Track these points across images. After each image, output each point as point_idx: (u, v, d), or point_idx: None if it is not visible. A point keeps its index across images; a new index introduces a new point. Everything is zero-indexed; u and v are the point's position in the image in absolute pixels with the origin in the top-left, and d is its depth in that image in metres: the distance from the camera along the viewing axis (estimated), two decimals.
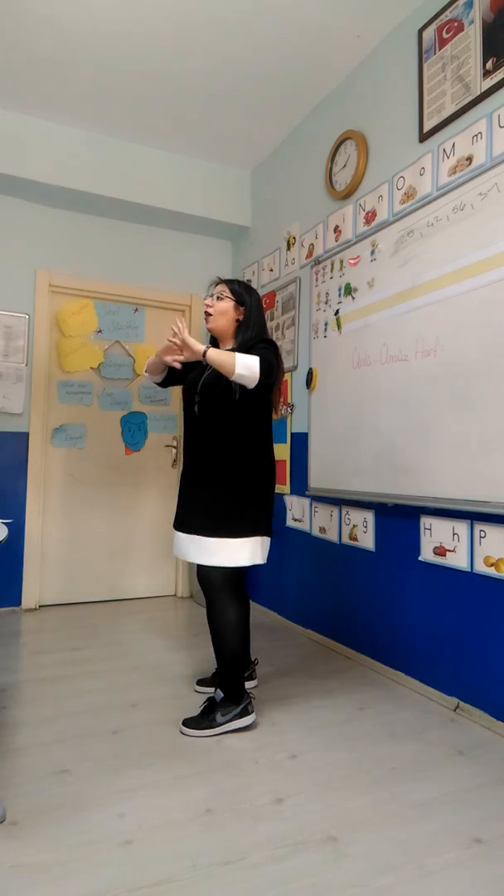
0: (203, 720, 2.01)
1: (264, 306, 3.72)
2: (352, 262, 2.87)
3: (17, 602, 3.57)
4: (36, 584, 3.60)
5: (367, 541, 2.73)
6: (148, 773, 1.73)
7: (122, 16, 2.64)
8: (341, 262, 2.96)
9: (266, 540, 2.11)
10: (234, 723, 2.01)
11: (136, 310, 3.99)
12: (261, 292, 3.81)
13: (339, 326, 2.93)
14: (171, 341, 2.06)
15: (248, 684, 2.37)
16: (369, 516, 2.72)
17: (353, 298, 2.84)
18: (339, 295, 2.95)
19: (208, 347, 1.97)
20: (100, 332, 3.88)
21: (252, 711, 2.04)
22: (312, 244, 3.26)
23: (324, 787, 1.68)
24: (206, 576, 2.08)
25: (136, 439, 3.98)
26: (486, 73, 2.16)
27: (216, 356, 1.93)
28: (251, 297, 2.18)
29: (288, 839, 1.44)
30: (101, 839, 1.43)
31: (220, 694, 2.06)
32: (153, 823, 1.49)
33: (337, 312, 2.95)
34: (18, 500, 3.59)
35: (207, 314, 2.17)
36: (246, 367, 1.92)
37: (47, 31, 2.73)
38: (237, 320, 2.16)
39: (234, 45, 2.81)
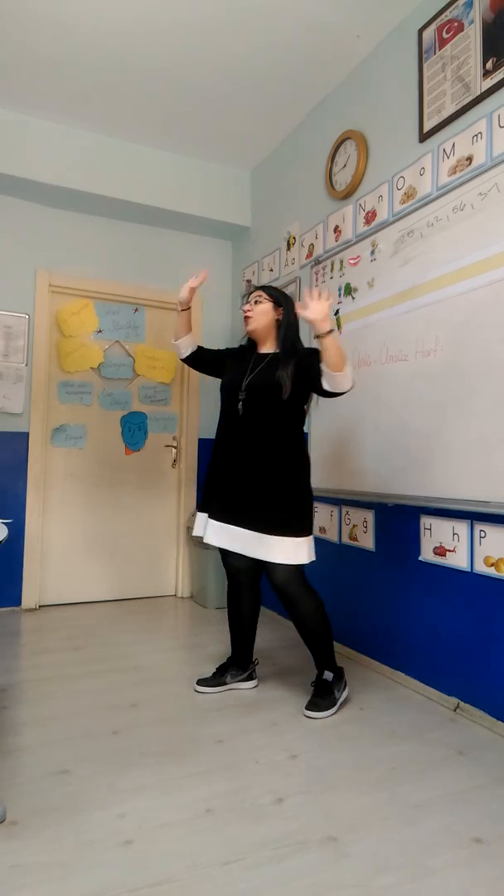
0: (325, 701, 2.15)
1: None
2: (352, 262, 2.87)
3: (17, 602, 3.57)
4: (36, 584, 3.60)
5: (367, 541, 2.73)
6: (148, 773, 1.73)
7: (121, 16, 2.64)
8: (341, 262, 2.96)
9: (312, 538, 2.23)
10: (344, 693, 2.23)
11: (136, 310, 3.99)
12: None
13: (339, 326, 2.93)
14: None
15: (248, 684, 2.38)
16: (369, 516, 2.72)
17: (354, 298, 2.84)
18: (340, 295, 2.95)
19: (332, 331, 2.01)
20: (100, 332, 3.88)
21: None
22: (312, 244, 3.26)
23: (324, 787, 1.68)
24: (284, 578, 2.15)
25: (136, 439, 3.98)
26: (486, 73, 2.16)
27: (335, 343, 2.01)
28: (287, 302, 2.31)
29: (288, 839, 1.44)
30: (101, 839, 1.43)
31: (328, 674, 2.20)
32: (153, 823, 1.49)
33: (337, 312, 2.95)
34: (18, 500, 3.59)
35: (247, 317, 2.29)
36: (346, 375, 2.04)
37: (48, 31, 2.73)
38: (276, 321, 2.29)
39: (234, 45, 2.81)
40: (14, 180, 3.40)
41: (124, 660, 2.71)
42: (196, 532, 2.33)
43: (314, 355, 2.14)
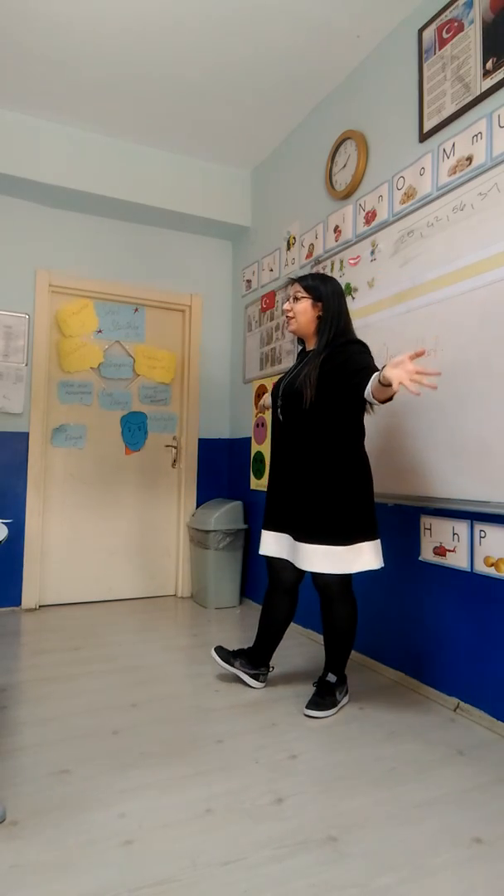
0: (326, 701, 2.15)
1: (264, 306, 3.74)
2: (352, 262, 2.87)
3: (17, 602, 3.57)
4: (36, 584, 3.60)
5: None
6: (148, 773, 1.73)
7: (122, 16, 2.64)
8: (341, 262, 2.95)
9: (377, 543, 2.13)
10: (345, 698, 2.24)
11: (136, 310, 3.99)
12: (261, 292, 3.82)
13: None
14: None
15: (252, 682, 2.38)
16: None
17: (353, 298, 2.84)
18: None
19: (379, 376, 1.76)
20: (100, 332, 3.88)
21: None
22: (312, 244, 3.25)
23: (324, 787, 1.68)
24: (326, 581, 2.13)
25: (136, 439, 3.98)
26: (486, 73, 2.16)
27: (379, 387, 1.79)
28: (327, 287, 2.14)
29: (288, 839, 1.44)
30: (101, 839, 1.43)
31: (331, 676, 2.20)
32: (153, 823, 1.49)
33: None
34: (18, 500, 3.59)
35: (289, 317, 2.19)
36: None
37: (48, 30, 2.73)
38: (318, 316, 2.15)
39: (234, 45, 2.81)
40: (14, 180, 3.40)
41: (124, 660, 2.71)
42: (261, 551, 2.28)
43: (350, 348, 1.98)
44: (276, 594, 2.32)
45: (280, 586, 2.30)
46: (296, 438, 2.14)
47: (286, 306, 2.21)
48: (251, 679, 2.37)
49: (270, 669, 2.42)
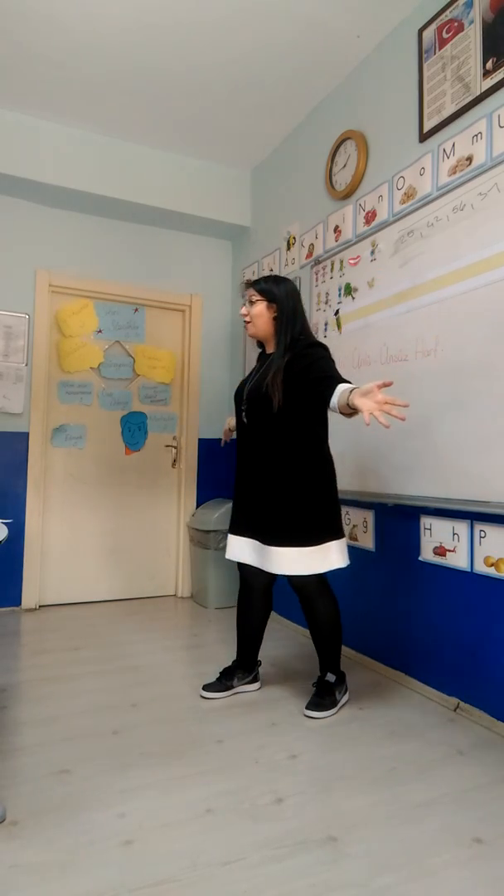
0: (326, 701, 2.15)
1: None
2: (352, 262, 2.87)
3: (17, 602, 3.57)
4: (36, 584, 3.60)
5: (367, 541, 2.73)
6: (148, 773, 1.73)
7: (122, 16, 2.64)
8: (341, 262, 2.96)
9: (342, 542, 2.15)
10: (345, 697, 2.24)
11: (136, 310, 3.99)
12: None
13: (339, 326, 2.93)
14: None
15: (253, 687, 2.37)
16: (369, 516, 2.72)
17: (353, 298, 2.84)
18: (339, 295, 2.95)
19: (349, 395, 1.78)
20: (100, 332, 3.88)
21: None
22: (312, 244, 3.26)
23: (324, 787, 1.68)
24: (302, 582, 2.14)
25: (136, 439, 3.98)
26: (486, 73, 2.16)
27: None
28: (280, 288, 2.15)
29: (288, 839, 1.44)
30: (101, 839, 1.43)
31: (330, 676, 2.21)
32: (153, 823, 1.49)
33: (337, 312, 2.95)
34: (18, 500, 3.59)
35: (246, 322, 2.20)
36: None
37: (48, 30, 2.73)
38: (274, 318, 2.16)
39: (233, 45, 2.81)
40: (14, 180, 3.40)
41: (124, 660, 2.71)
42: (227, 555, 2.30)
43: (313, 352, 2.01)
44: (250, 597, 2.32)
45: (253, 589, 2.30)
46: (261, 441, 2.14)
47: (243, 310, 2.21)
48: (251, 686, 2.37)
49: (259, 664, 2.42)
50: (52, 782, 1.67)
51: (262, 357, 2.31)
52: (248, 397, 2.19)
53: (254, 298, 2.18)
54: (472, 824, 1.51)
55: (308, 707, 2.14)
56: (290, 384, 2.05)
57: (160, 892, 1.26)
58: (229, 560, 2.28)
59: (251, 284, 2.21)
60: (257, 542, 2.16)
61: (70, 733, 1.97)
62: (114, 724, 2.05)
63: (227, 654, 2.79)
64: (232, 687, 2.32)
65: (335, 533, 2.12)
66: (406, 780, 1.72)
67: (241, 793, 1.64)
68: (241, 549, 2.23)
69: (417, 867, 1.35)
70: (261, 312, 2.17)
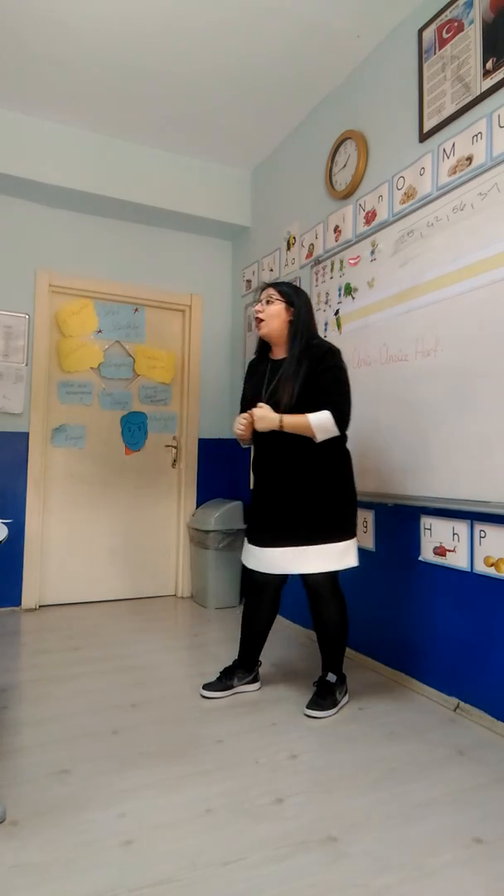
0: (326, 701, 2.15)
1: None
2: (352, 262, 2.87)
3: (17, 602, 3.57)
4: (36, 584, 3.60)
5: (367, 541, 2.73)
6: (148, 773, 1.73)
7: (122, 16, 2.64)
8: (341, 262, 2.96)
9: (356, 540, 2.20)
10: (345, 698, 2.24)
11: (136, 310, 3.99)
12: None
13: (339, 326, 2.93)
14: (239, 432, 2.21)
15: (253, 687, 2.37)
16: (369, 516, 2.72)
17: (353, 298, 2.84)
18: (339, 295, 2.95)
19: (281, 418, 2.07)
20: (100, 332, 3.88)
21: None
22: (312, 244, 3.26)
23: (324, 787, 1.68)
24: (317, 580, 2.15)
25: (136, 439, 3.98)
26: (486, 73, 2.16)
27: (292, 425, 2.07)
28: (300, 297, 2.22)
29: (288, 839, 1.44)
30: (101, 839, 1.43)
31: (331, 676, 2.21)
32: (153, 823, 1.49)
33: (337, 312, 2.95)
34: (18, 500, 3.59)
35: (259, 319, 2.21)
36: (325, 430, 2.06)
37: (48, 30, 2.73)
38: (289, 321, 2.19)
39: (234, 45, 2.81)
40: (14, 180, 3.40)
41: (124, 660, 2.71)
42: (244, 562, 2.29)
43: (327, 361, 2.09)
44: (259, 597, 2.30)
45: (263, 590, 2.29)
46: (283, 444, 2.13)
47: (257, 307, 2.23)
48: (251, 686, 2.37)
49: (259, 664, 2.42)
50: (52, 782, 1.67)
51: (262, 359, 2.31)
52: (269, 403, 2.15)
53: (273, 298, 2.20)
54: (472, 824, 1.51)
55: (308, 706, 2.14)
56: (308, 390, 2.09)
57: (160, 892, 1.26)
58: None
59: (272, 285, 2.25)
60: (291, 549, 2.13)
61: (70, 733, 1.97)
62: (114, 724, 2.05)
63: (227, 654, 2.79)
64: (232, 686, 2.31)
65: (354, 531, 2.18)
66: (406, 780, 1.72)
67: (241, 793, 1.64)
68: (261, 559, 2.18)
69: (417, 867, 1.35)
70: (278, 313, 2.19)
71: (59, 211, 3.74)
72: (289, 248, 3.51)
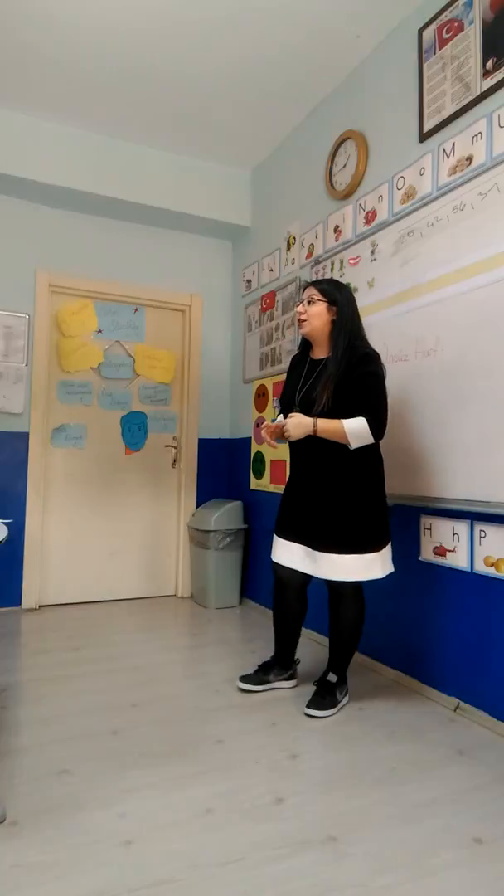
0: (326, 700, 2.15)
1: (264, 306, 3.74)
2: (352, 262, 2.87)
3: (17, 602, 3.57)
4: (36, 584, 3.60)
5: None
6: (148, 773, 1.73)
7: (122, 16, 2.64)
8: (341, 262, 2.95)
9: (389, 548, 2.19)
10: (345, 698, 2.24)
11: (136, 310, 3.99)
12: (261, 292, 3.82)
13: None
14: (268, 439, 2.17)
15: (289, 683, 2.40)
16: None
17: None
18: None
19: (316, 422, 2.04)
20: (100, 332, 3.88)
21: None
22: (312, 244, 3.25)
23: (324, 787, 1.68)
24: (341, 583, 2.14)
25: (136, 439, 3.98)
26: (486, 73, 2.16)
27: (326, 431, 2.04)
28: (342, 294, 2.18)
29: (288, 839, 1.44)
30: (101, 839, 1.43)
31: (332, 676, 2.22)
32: (153, 823, 1.49)
33: None
34: (18, 500, 3.59)
35: (301, 320, 2.20)
36: (360, 437, 2.04)
37: (48, 31, 2.73)
38: (332, 321, 2.17)
39: (233, 45, 2.81)
40: (14, 180, 3.40)
41: (124, 660, 2.71)
42: (272, 556, 2.30)
43: (363, 366, 2.06)
44: (284, 595, 2.32)
45: (288, 588, 2.31)
46: (318, 448, 2.12)
47: (300, 308, 2.20)
48: (287, 682, 2.39)
49: (297, 662, 2.43)
50: (52, 782, 1.67)
51: (303, 358, 2.30)
52: (302, 402, 2.16)
53: (314, 298, 2.17)
54: (472, 824, 1.52)
55: (308, 706, 2.14)
56: (343, 393, 2.07)
57: (160, 892, 1.26)
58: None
59: (313, 284, 2.22)
60: (309, 549, 2.14)
61: (70, 733, 1.97)
62: (114, 724, 2.05)
63: (227, 654, 2.79)
64: (268, 682, 2.35)
65: (388, 538, 2.17)
66: (406, 780, 1.72)
67: (241, 793, 1.64)
68: (291, 554, 2.20)
69: (417, 867, 1.35)
70: (320, 313, 2.16)
71: (59, 211, 3.74)
72: (289, 248, 3.51)
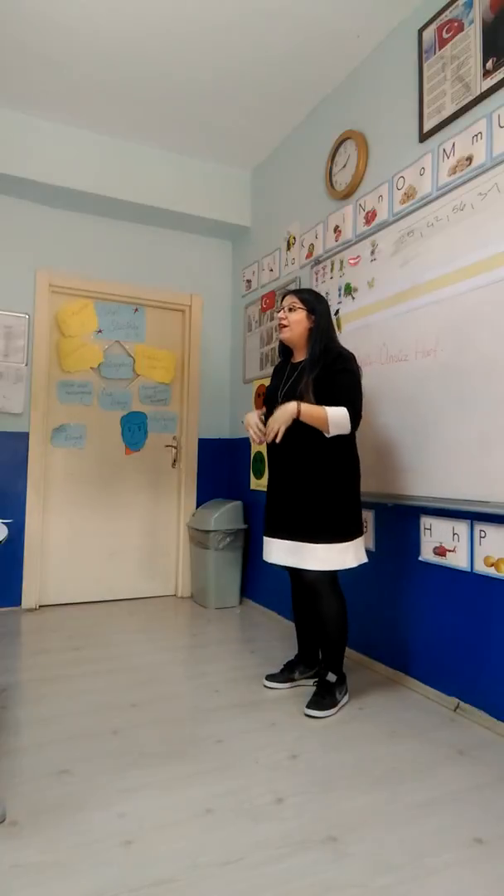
0: (326, 700, 2.17)
1: (264, 306, 3.74)
2: (352, 262, 2.87)
3: (17, 602, 3.57)
4: (36, 584, 3.60)
5: (367, 540, 2.72)
6: (148, 773, 1.73)
7: (122, 16, 2.64)
8: (341, 262, 2.95)
9: (362, 539, 2.26)
10: (345, 698, 2.25)
11: (136, 310, 3.99)
12: (261, 292, 3.82)
13: (339, 327, 2.93)
14: (253, 435, 2.30)
15: (312, 681, 2.40)
16: (369, 516, 2.72)
17: (353, 298, 2.84)
18: (339, 295, 2.95)
19: (299, 406, 2.10)
20: (100, 332, 3.88)
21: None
22: (312, 244, 3.25)
23: (324, 787, 1.68)
24: (314, 577, 2.20)
25: (136, 439, 3.98)
26: (486, 73, 2.16)
27: (309, 413, 2.11)
28: (320, 304, 2.31)
29: (288, 839, 1.44)
30: (101, 839, 1.43)
31: (331, 676, 2.23)
32: (153, 823, 1.49)
33: (337, 312, 2.95)
34: (18, 500, 3.59)
35: (283, 326, 2.31)
36: (338, 426, 2.12)
37: (48, 30, 2.73)
38: (309, 328, 2.29)
39: (234, 45, 2.81)
40: (14, 180, 3.40)
41: (124, 660, 2.71)
42: (263, 556, 2.37)
43: (340, 364, 2.17)
44: (297, 593, 2.42)
45: (297, 586, 2.39)
46: (295, 444, 2.19)
47: (281, 314, 2.32)
48: (312, 679, 2.41)
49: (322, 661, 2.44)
50: (52, 782, 1.67)
51: (285, 363, 2.40)
52: (285, 398, 2.24)
53: (296, 306, 2.30)
54: (472, 824, 1.52)
55: (308, 706, 2.15)
56: (321, 390, 2.16)
57: (160, 892, 1.26)
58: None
59: (293, 293, 2.34)
60: (291, 542, 2.21)
61: (70, 733, 1.97)
62: (114, 724, 2.05)
63: (227, 654, 2.79)
64: (293, 679, 2.40)
65: (360, 529, 2.24)
66: (406, 780, 1.72)
67: (241, 793, 1.64)
68: (277, 550, 2.27)
69: (417, 867, 1.35)
70: (300, 320, 2.29)
71: (59, 211, 3.74)
72: (289, 248, 3.51)
